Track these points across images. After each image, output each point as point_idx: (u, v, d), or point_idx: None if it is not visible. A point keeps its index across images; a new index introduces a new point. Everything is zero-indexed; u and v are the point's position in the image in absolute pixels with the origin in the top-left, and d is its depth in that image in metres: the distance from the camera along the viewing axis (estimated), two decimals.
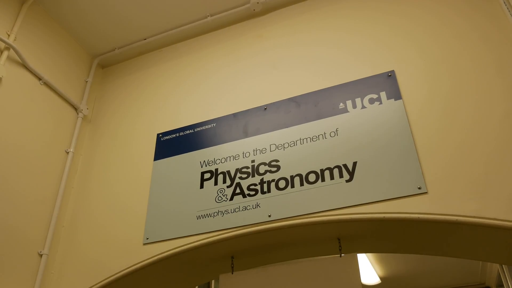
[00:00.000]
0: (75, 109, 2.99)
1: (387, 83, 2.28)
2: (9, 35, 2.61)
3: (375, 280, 4.92)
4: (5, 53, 2.54)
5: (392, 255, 4.51)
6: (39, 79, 2.75)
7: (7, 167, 2.38)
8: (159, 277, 2.40)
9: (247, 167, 2.32)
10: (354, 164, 2.11)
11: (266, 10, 2.94)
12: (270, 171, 2.25)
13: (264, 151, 2.34)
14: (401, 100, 2.19)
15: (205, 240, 2.17)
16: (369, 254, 4.39)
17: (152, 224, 2.35)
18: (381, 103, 2.23)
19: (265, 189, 2.21)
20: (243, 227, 2.13)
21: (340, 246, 2.14)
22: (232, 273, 2.24)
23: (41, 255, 2.43)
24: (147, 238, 2.31)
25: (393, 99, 2.21)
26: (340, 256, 2.10)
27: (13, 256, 2.28)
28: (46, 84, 2.79)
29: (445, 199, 1.88)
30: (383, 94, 2.25)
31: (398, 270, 4.89)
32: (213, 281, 4.36)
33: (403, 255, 4.53)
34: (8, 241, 2.27)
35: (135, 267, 2.25)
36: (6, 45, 2.56)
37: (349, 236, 2.13)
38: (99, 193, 2.66)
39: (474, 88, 2.08)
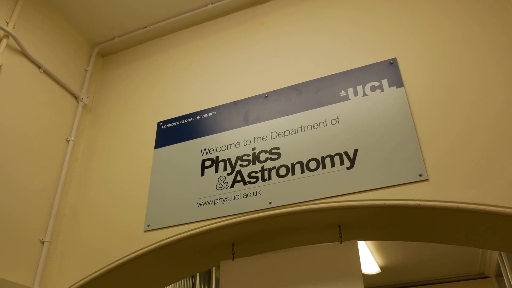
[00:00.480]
0: (75, 98, 2.99)
1: (388, 71, 2.27)
2: (7, 23, 2.60)
3: (375, 269, 4.95)
4: (4, 41, 2.53)
5: (392, 245, 4.53)
6: (39, 67, 2.74)
7: (8, 155, 2.37)
8: (160, 264, 2.41)
9: (248, 155, 2.32)
10: (355, 151, 2.10)
11: None
12: (271, 159, 2.25)
13: (265, 139, 2.34)
14: (402, 87, 2.18)
15: (206, 227, 2.18)
16: (369, 244, 4.40)
17: (153, 211, 2.35)
18: (382, 90, 2.22)
19: (266, 176, 2.21)
20: (243, 214, 2.13)
21: (340, 233, 2.14)
22: (233, 260, 2.25)
23: (42, 242, 2.44)
24: (148, 225, 2.31)
25: (394, 87, 2.20)
26: (341, 243, 2.11)
27: (15, 243, 2.28)
28: (46, 72, 2.78)
29: (446, 186, 1.88)
30: (384, 82, 2.24)
31: (398, 260, 4.91)
32: (213, 269, 4.38)
33: (403, 245, 4.55)
34: (10, 228, 2.28)
35: (136, 254, 2.25)
36: (5, 33, 2.54)
37: (350, 223, 2.13)
38: (100, 181, 2.66)
39: (475, 76, 2.07)
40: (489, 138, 1.91)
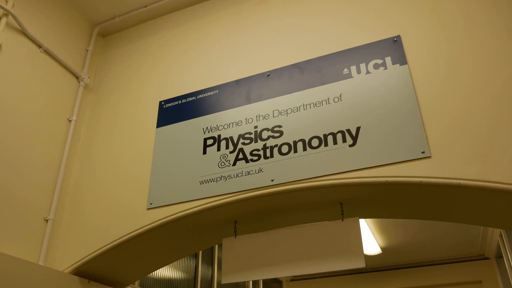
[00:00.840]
0: (76, 78, 2.97)
1: (392, 48, 2.25)
2: (7, 1, 2.57)
3: (376, 250, 4.98)
4: (4, 20, 2.51)
5: (393, 226, 4.55)
6: (39, 46, 2.72)
7: (10, 133, 2.37)
8: (163, 242, 2.42)
9: (250, 133, 2.32)
10: (358, 129, 2.10)
11: None
12: (273, 137, 2.25)
13: (267, 117, 2.33)
14: (406, 65, 2.16)
15: (208, 204, 2.19)
16: (371, 224, 4.42)
17: (155, 189, 2.36)
18: (386, 68, 2.21)
19: (268, 154, 2.21)
20: (246, 192, 2.14)
21: (342, 210, 2.15)
22: (235, 237, 2.26)
23: (46, 220, 2.45)
24: (151, 203, 2.32)
25: (398, 64, 2.19)
26: (342, 220, 2.12)
27: (19, 221, 2.30)
28: (47, 52, 2.76)
29: (448, 163, 1.87)
30: (388, 60, 2.22)
31: (399, 241, 4.94)
32: (216, 249, 4.42)
33: (404, 226, 4.57)
34: (14, 206, 2.29)
35: (139, 231, 2.27)
36: (5, 12, 2.52)
37: (352, 201, 2.14)
38: (103, 160, 2.67)
39: (478, 53, 2.05)
40: (491, 115, 1.90)
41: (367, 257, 5.31)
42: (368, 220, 4.30)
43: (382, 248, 5.03)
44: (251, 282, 5.11)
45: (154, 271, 2.72)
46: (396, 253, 5.27)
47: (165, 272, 3.56)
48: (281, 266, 2.12)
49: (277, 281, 6.00)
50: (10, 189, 2.29)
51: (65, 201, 2.60)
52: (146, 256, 2.51)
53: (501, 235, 4.61)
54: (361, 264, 1.97)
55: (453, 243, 5.13)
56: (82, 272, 2.40)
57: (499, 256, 5.26)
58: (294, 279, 6.17)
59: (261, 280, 5.39)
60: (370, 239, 4.64)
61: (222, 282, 2.23)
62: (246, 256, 2.21)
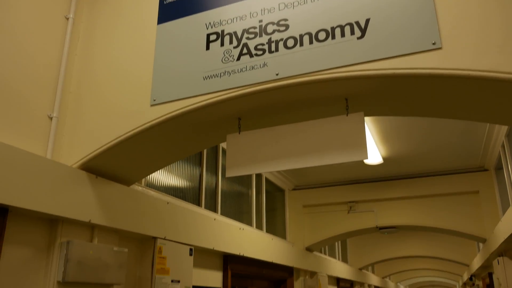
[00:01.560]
0: None
1: None
2: None
3: (378, 160, 5.06)
4: None
5: (396, 135, 4.58)
6: None
7: (5, 31, 2.30)
8: (167, 139, 2.44)
9: (255, 27, 2.23)
10: (367, 21, 2.01)
11: None
12: (279, 31, 2.17)
13: (272, 11, 2.23)
14: None
15: (212, 99, 2.16)
16: (374, 134, 4.44)
17: (158, 86, 2.33)
18: None
19: (273, 48, 2.14)
20: (250, 86, 2.11)
21: (347, 106, 2.13)
22: (239, 133, 2.27)
23: (51, 118, 2.45)
24: (154, 100, 2.31)
25: None
26: (347, 115, 2.10)
27: (24, 118, 2.30)
28: None
29: (460, 54, 1.82)
30: None
31: (401, 151, 5.00)
32: (220, 155, 4.49)
33: (407, 136, 4.60)
34: (17, 103, 2.28)
35: (144, 127, 2.27)
36: None
37: (357, 96, 2.11)
38: (104, 59, 2.61)
39: None
40: (507, 3, 1.80)
41: (368, 167, 5.42)
42: (372, 128, 4.31)
43: (384, 158, 5.10)
44: (254, 191, 5.26)
45: (160, 169, 2.78)
46: (397, 163, 5.35)
47: (170, 180, 3.64)
48: (284, 159, 2.15)
49: (279, 190, 6.18)
50: (10, 85, 2.26)
51: (68, 99, 2.59)
52: (151, 153, 2.54)
53: (503, 146, 4.64)
54: (364, 156, 1.99)
55: (454, 154, 5.19)
56: (89, 167, 2.45)
57: (498, 168, 5.34)
58: (296, 188, 6.35)
59: (264, 189, 5.55)
60: (373, 148, 4.69)
61: (226, 176, 2.28)
62: (250, 151, 2.24)
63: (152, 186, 3.36)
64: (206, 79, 2.23)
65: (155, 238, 2.97)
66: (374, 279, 12.35)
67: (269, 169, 2.17)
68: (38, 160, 2.19)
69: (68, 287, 2.32)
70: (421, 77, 1.87)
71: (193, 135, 2.46)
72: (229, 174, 2.25)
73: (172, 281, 3.07)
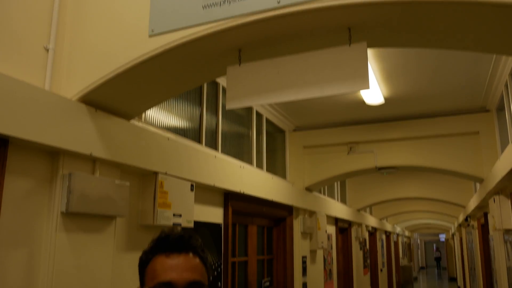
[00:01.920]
0: None
1: None
2: None
3: (379, 100, 5.02)
4: None
5: (398, 74, 4.52)
6: None
7: None
8: (166, 72, 2.41)
9: None
10: None
11: None
12: None
13: None
14: None
15: (212, 29, 2.10)
16: (376, 72, 4.38)
17: (156, 16, 2.26)
18: None
19: None
20: (250, 14, 2.04)
21: (350, 36, 2.08)
22: (240, 65, 2.23)
23: (47, 50, 2.40)
24: (152, 30, 2.25)
25: None
26: (349, 45, 2.06)
27: (19, 50, 2.25)
28: None
29: None
30: None
31: (403, 91, 4.95)
32: (220, 95, 4.46)
33: (409, 74, 4.53)
34: (11, 35, 2.22)
35: (143, 58, 2.23)
36: None
37: (361, 26, 2.05)
38: None
39: None
40: None
41: (369, 108, 5.39)
42: (374, 67, 4.24)
43: (385, 98, 5.06)
44: (255, 132, 5.27)
45: (160, 102, 2.76)
46: (398, 104, 5.32)
47: (170, 119, 3.63)
48: (286, 90, 2.13)
49: (280, 131, 6.20)
50: (5, 16, 2.20)
51: (65, 31, 2.52)
52: (151, 86, 2.52)
53: (506, 85, 4.59)
54: (366, 87, 1.97)
55: (456, 94, 5.14)
56: (89, 100, 2.43)
57: (500, 109, 5.32)
58: (297, 129, 6.36)
59: (265, 130, 5.56)
60: (375, 88, 4.64)
61: (226, 108, 2.26)
62: (250, 82, 2.21)
63: (152, 124, 3.36)
64: (206, 8, 2.15)
65: (156, 173, 3.00)
66: (371, 220, 12.68)
67: (270, 100, 2.16)
68: (37, 91, 2.17)
69: (72, 218, 2.37)
70: (429, 3, 1.81)
71: (193, 68, 2.42)
72: (229, 106, 2.24)
73: (174, 215, 3.14)
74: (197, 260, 1.23)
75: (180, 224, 3.19)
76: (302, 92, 2.09)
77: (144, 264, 1.24)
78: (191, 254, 1.22)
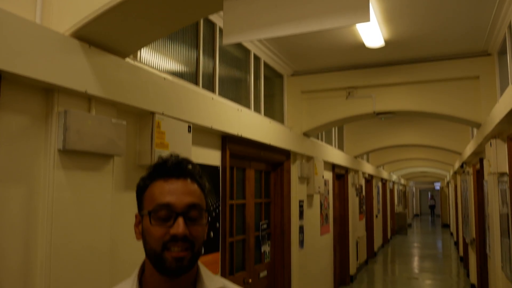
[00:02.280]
0: None
1: None
2: None
3: (379, 42, 4.92)
4: None
5: (399, 15, 4.39)
6: None
7: None
8: (161, 7, 2.32)
9: None
10: None
11: None
12: None
13: None
14: None
15: None
16: (377, 12, 4.26)
17: None
18: None
19: None
20: None
21: None
22: None
23: None
24: None
25: None
26: None
27: None
28: None
29: None
30: None
31: (404, 33, 4.84)
32: (217, 37, 4.36)
33: (411, 14, 4.41)
34: None
35: None
36: None
37: None
38: None
39: None
40: None
41: (369, 51, 5.29)
42: (375, 7, 4.12)
43: (385, 41, 4.95)
44: (252, 76, 5.20)
45: (155, 40, 2.69)
46: (399, 47, 5.21)
47: (166, 62, 3.56)
48: (284, 24, 2.06)
49: (278, 75, 6.12)
50: None
51: None
52: (145, 21, 2.44)
53: (509, 26, 4.49)
54: (366, 19, 1.91)
55: (458, 37, 5.03)
56: (82, 36, 2.37)
57: (502, 53, 5.23)
58: (295, 74, 6.27)
59: (263, 74, 5.49)
60: (375, 29, 4.53)
61: (223, 43, 2.21)
62: (248, 16, 2.14)
63: (148, 65, 3.30)
64: None
65: (153, 113, 2.98)
66: (368, 168, 12.84)
67: (268, 35, 2.10)
68: (29, 25, 2.10)
69: (69, 156, 2.37)
70: None
71: (187, 2, 2.33)
72: (226, 41, 2.18)
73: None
74: (195, 185, 1.24)
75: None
76: (301, 26, 2.03)
77: (142, 190, 1.25)
78: (189, 180, 1.23)
